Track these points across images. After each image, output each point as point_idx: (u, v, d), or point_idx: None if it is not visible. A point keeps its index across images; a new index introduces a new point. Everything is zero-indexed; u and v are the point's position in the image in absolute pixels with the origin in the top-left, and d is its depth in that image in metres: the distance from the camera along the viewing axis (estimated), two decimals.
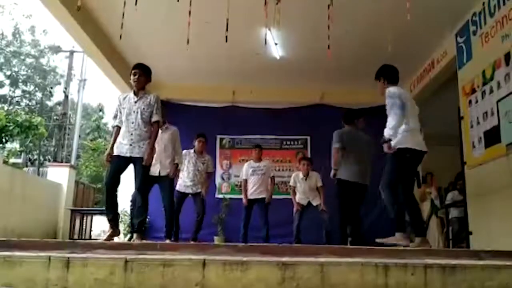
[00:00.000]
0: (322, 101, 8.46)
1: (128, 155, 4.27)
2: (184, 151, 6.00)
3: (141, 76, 4.39)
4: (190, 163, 6.14)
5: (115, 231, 4.30)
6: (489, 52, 5.23)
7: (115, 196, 4.36)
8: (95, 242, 3.82)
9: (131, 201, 5.58)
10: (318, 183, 6.48)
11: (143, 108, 4.33)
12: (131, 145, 4.27)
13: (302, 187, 6.56)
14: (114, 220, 4.34)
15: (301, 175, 6.61)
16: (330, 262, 2.21)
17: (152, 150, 4.33)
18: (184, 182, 6.07)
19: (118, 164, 4.31)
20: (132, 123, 4.32)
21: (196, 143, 6.24)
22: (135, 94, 4.41)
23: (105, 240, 4.08)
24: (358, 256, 2.46)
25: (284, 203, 7.05)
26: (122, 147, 4.30)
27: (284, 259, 2.23)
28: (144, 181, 4.38)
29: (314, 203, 6.46)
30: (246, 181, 6.72)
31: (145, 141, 4.30)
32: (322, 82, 8.18)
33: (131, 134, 4.30)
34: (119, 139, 4.36)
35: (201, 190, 6.17)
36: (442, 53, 6.75)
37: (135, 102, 4.37)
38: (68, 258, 2.20)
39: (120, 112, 4.45)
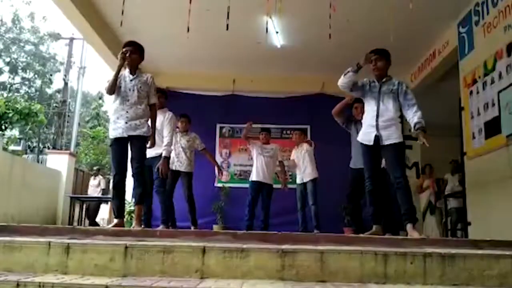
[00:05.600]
0: (323, 90, 8.42)
1: (125, 135, 4.07)
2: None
3: (134, 54, 4.13)
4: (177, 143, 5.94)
5: (119, 222, 3.99)
6: (491, 43, 5.20)
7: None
8: (95, 228, 3.83)
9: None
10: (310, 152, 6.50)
11: (140, 87, 4.13)
12: (126, 123, 4.08)
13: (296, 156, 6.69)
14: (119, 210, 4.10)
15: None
16: (329, 250, 2.22)
17: (153, 133, 4.19)
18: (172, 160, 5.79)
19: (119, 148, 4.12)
20: (128, 101, 4.13)
21: (179, 123, 5.97)
22: (130, 72, 4.19)
23: None
24: (358, 244, 2.47)
25: (285, 192, 7.00)
26: (117, 128, 4.10)
27: (284, 246, 2.24)
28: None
29: (306, 179, 6.47)
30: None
31: (141, 119, 4.13)
32: (323, 71, 8.12)
33: (127, 112, 4.11)
34: (113, 118, 4.18)
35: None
36: (444, 43, 6.71)
37: (131, 80, 4.15)
38: (68, 243, 2.21)
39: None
